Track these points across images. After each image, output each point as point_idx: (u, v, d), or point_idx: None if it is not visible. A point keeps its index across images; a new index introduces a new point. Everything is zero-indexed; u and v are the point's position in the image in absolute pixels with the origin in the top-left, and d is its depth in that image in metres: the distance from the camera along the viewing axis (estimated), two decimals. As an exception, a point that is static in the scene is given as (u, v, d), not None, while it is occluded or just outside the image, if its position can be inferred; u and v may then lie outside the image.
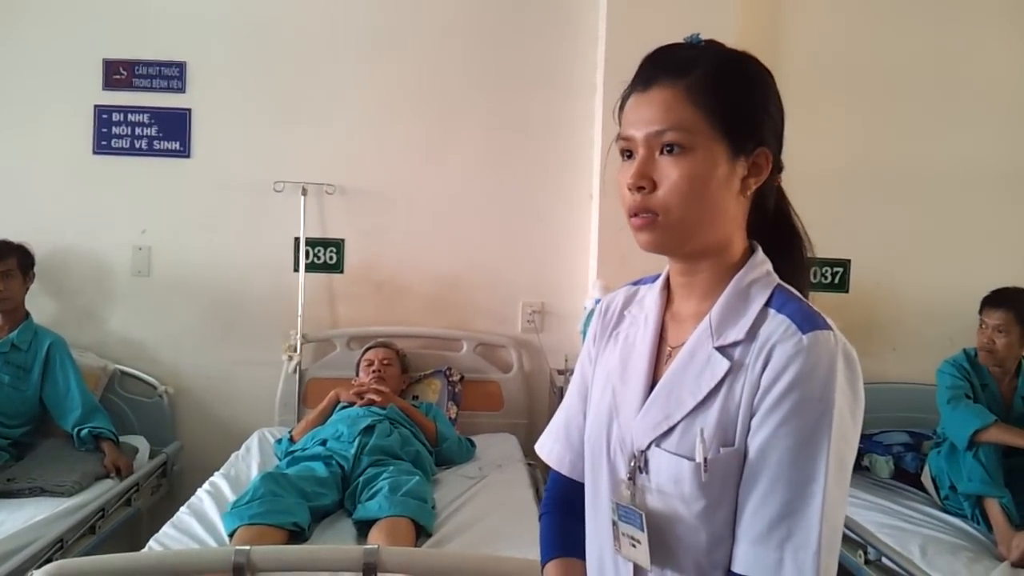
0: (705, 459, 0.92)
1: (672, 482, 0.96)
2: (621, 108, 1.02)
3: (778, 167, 1.02)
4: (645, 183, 0.96)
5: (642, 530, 0.98)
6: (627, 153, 1.00)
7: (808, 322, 0.92)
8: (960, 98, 3.56)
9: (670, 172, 0.95)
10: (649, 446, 0.99)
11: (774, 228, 1.06)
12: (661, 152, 0.96)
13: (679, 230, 0.96)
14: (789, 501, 0.88)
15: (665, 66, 0.97)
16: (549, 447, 1.24)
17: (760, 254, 1.02)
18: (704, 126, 0.94)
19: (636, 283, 1.17)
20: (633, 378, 1.05)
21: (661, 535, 0.97)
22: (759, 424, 0.91)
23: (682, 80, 0.95)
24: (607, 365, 1.11)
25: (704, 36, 1.01)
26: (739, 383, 0.94)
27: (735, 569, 0.92)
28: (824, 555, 0.87)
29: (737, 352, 0.95)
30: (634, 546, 0.99)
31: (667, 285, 1.09)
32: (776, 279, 1.01)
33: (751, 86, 0.99)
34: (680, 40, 1.01)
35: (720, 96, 0.95)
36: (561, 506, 1.21)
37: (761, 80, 1.01)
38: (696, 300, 1.03)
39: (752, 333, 0.95)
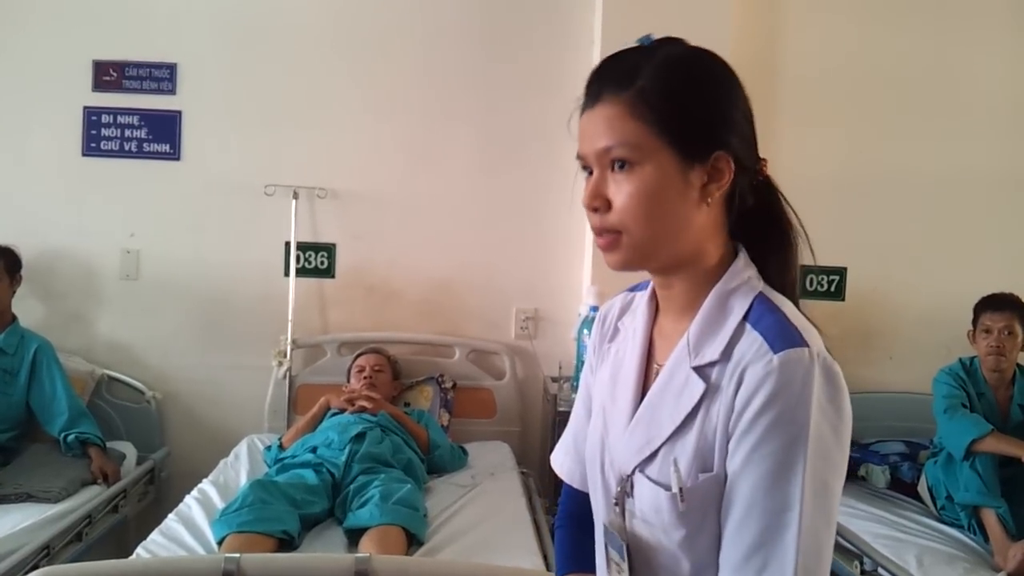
0: (681, 489, 0.89)
1: (653, 511, 0.93)
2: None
3: (744, 166, 0.95)
4: (599, 203, 0.93)
5: (623, 558, 0.96)
6: (588, 171, 0.97)
7: (781, 339, 0.87)
8: (956, 105, 3.56)
9: (621, 189, 0.92)
10: (634, 471, 0.96)
11: (756, 227, 0.99)
12: (612, 169, 0.93)
13: (642, 248, 0.93)
14: (764, 530, 0.85)
15: (609, 79, 0.94)
16: (560, 460, 1.22)
17: (742, 259, 0.97)
18: (649, 138, 0.90)
19: (633, 289, 1.13)
20: (621, 397, 1.02)
21: (646, 562, 0.95)
22: (734, 449, 0.88)
23: (625, 92, 0.92)
24: (600, 382, 1.09)
25: (696, 41, 0.97)
26: (715, 406, 0.90)
27: None
28: None
29: (714, 373, 0.91)
30: (619, 573, 0.98)
31: (655, 296, 1.05)
32: (759, 286, 0.95)
33: (700, 88, 0.94)
34: (636, 43, 0.97)
35: (664, 105, 0.91)
36: (575, 520, 1.19)
37: (712, 79, 0.95)
38: (676, 314, 0.99)
39: (728, 352, 0.91)
